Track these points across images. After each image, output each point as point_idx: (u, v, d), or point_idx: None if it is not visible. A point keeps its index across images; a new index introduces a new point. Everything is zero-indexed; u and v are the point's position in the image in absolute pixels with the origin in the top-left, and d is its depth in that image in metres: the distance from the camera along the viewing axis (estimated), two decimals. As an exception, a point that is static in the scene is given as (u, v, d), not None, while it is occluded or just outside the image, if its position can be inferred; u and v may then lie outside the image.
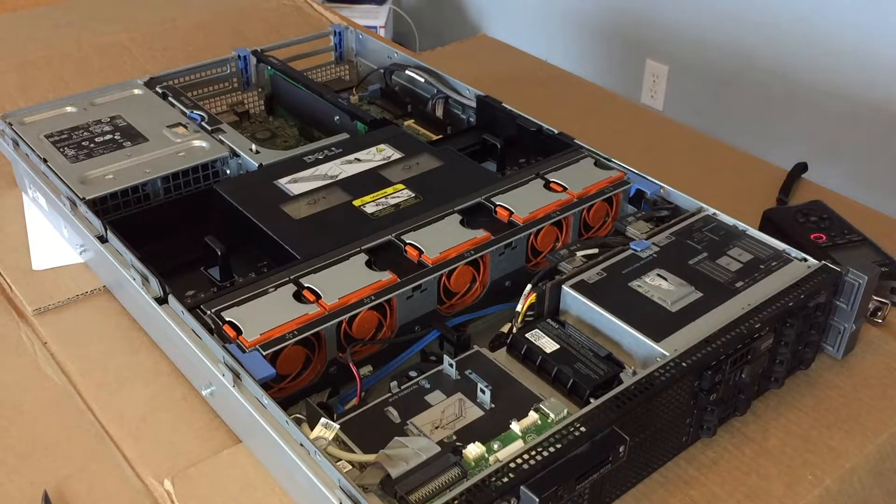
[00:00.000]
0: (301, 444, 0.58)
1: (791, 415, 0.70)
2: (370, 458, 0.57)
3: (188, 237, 0.81)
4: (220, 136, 0.93)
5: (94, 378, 0.75)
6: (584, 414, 0.58)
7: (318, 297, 0.69)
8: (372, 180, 0.86)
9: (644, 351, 0.66)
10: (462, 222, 0.78)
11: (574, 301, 0.70)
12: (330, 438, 0.57)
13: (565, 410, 0.60)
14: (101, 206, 0.83)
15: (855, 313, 0.72)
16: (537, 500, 0.52)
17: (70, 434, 0.70)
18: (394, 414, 0.62)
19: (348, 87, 1.16)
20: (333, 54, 1.19)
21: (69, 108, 0.98)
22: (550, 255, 0.74)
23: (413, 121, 1.07)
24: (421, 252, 0.74)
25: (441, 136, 1.01)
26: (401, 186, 0.85)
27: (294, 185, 0.85)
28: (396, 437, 0.58)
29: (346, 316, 0.68)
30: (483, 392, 0.62)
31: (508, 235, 0.77)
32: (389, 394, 0.64)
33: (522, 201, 0.80)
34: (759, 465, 0.66)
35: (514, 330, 0.69)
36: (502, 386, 0.64)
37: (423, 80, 1.08)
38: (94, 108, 0.99)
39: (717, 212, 0.80)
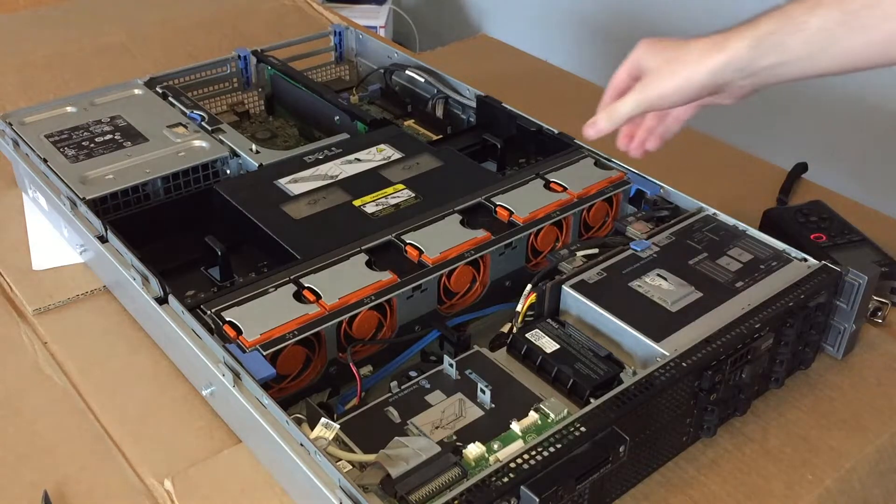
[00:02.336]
0: (301, 444, 0.58)
1: (791, 415, 0.70)
2: (370, 458, 0.57)
3: (188, 237, 0.81)
4: (220, 136, 0.93)
5: (94, 378, 0.75)
6: (584, 414, 0.58)
7: (318, 297, 0.69)
8: (372, 180, 0.86)
9: (644, 351, 0.66)
10: (462, 222, 0.78)
11: (574, 301, 0.70)
12: (330, 438, 0.57)
13: (565, 410, 0.60)
14: (101, 206, 0.83)
15: (855, 313, 0.72)
16: (537, 500, 0.52)
17: (70, 434, 0.70)
18: (394, 414, 0.62)
19: (348, 87, 1.16)
20: (333, 54, 1.19)
21: (69, 108, 0.98)
22: (550, 255, 0.74)
23: (413, 121, 1.07)
24: (421, 252, 0.74)
25: (441, 136, 1.01)
26: (401, 186, 0.85)
27: (294, 185, 0.85)
28: (396, 437, 0.58)
29: (347, 316, 0.68)
30: (483, 392, 0.62)
31: (508, 235, 0.77)
32: (389, 394, 0.64)
33: (522, 201, 0.80)
34: (759, 465, 0.66)
35: (514, 330, 0.69)
36: (502, 386, 0.64)
37: (423, 80, 1.08)
38: (94, 108, 0.99)
39: (717, 212, 0.80)
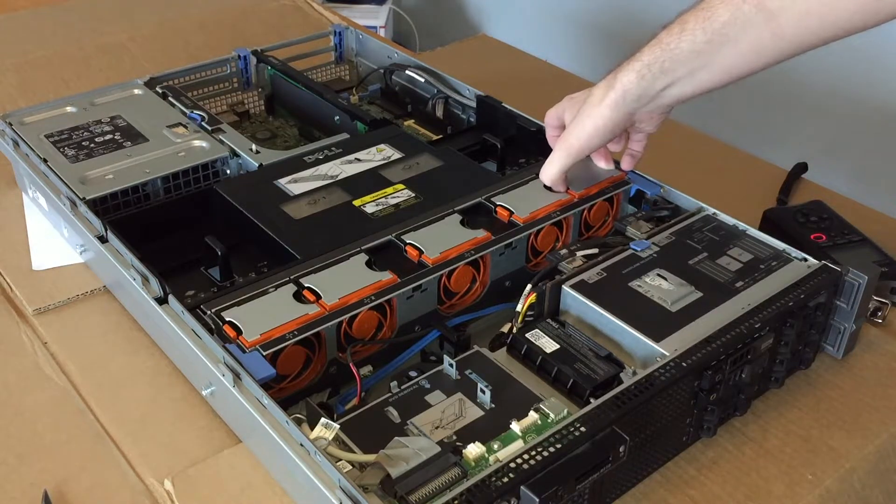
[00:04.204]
0: (301, 444, 0.58)
1: (791, 415, 0.70)
2: (370, 458, 0.57)
3: (188, 237, 0.81)
4: (220, 136, 0.93)
5: (94, 378, 0.75)
6: (584, 414, 0.58)
7: (318, 297, 0.69)
8: (372, 180, 0.86)
9: (644, 351, 0.66)
10: (462, 222, 0.78)
11: (574, 301, 0.70)
12: (330, 438, 0.57)
13: (565, 410, 0.60)
14: (101, 206, 0.83)
15: (855, 313, 0.72)
16: (537, 500, 0.52)
17: (70, 434, 0.70)
18: (394, 414, 0.62)
19: (348, 87, 1.16)
20: (333, 54, 1.19)
21: (69, 108, 0.98)
22: (550, 255, 0.74)
23: (413, 121, 1.07)
24: (421, 252, 0.74)
25: (441, 136, 1.01)
26: (401, 186, 0.85)
27: (294, 185, 0.85)
28: (396, 437, 0.58)
29: (347, 316, 0.68)
30: (483, 392, 0.62)
31: (508, 235, 0.77)
32: (389, 394, 0.64)
33: (522, 201, 0.80)
34: (759, 465, 0.66)
35: (514, 330, 0.69)
36: (502, 386, 0.64)
37: (423, 80, 1.08)
38: (94, 108, 0.99)
39: (717, 212, 0.80)
